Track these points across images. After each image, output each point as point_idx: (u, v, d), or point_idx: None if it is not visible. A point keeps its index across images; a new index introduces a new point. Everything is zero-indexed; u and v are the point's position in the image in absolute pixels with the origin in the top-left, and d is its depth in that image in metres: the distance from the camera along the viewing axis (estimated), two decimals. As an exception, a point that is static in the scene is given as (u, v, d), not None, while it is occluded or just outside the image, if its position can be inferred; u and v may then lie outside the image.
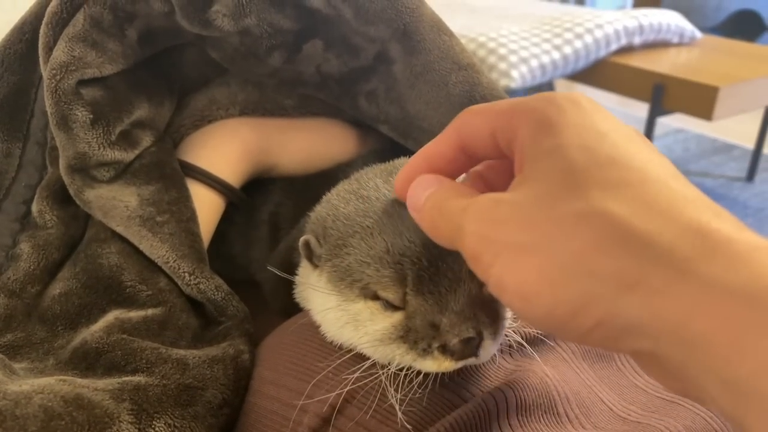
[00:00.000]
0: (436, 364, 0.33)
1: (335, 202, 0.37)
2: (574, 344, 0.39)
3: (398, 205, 0.34)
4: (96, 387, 0.36)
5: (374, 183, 0.37)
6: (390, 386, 0.34)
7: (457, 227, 0.26)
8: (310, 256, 0.38)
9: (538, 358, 0.37)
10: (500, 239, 0.24)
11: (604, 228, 0.22)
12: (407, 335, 0.33)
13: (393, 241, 0.33)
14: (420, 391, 0.34)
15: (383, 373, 0.34)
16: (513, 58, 1.71)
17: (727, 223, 0.22)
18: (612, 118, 0.27)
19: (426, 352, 0.32)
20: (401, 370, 0.34)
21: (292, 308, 0.44)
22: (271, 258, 0.53)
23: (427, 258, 0.32)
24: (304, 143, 0.54)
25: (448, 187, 0.28)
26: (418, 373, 0.34)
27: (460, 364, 0.33)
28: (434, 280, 0.32)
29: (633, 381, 0.39)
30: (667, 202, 0.22)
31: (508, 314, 0.35)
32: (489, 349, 0.33)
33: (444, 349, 0.32)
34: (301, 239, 0.38)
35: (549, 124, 0.26)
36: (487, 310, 0.33)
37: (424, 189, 0.29)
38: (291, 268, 0.46)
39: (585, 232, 0.22)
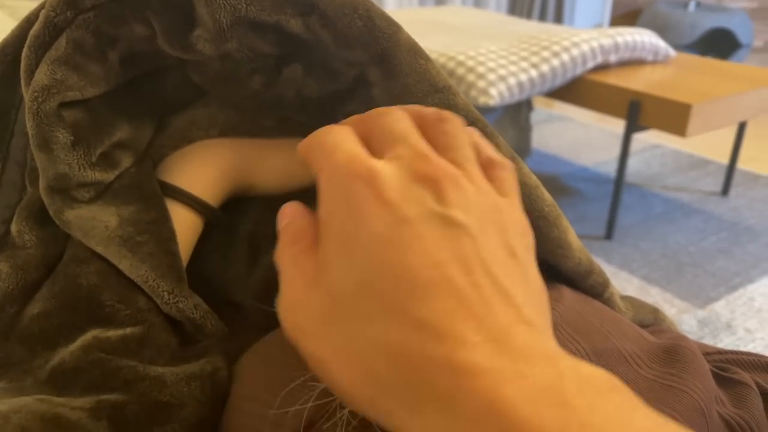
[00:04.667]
0: None
1: None
2: None
3: None
4: (74, 406, 0.36)
5: None
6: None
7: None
8: None
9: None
10: (303, 349, 0.27)
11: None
12: None
13: None
14: None
15: None
16: (491, 76, 1.74)
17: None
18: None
19: None
20: None
21: (272, 325, 0.45)
22: (252, 275, 0.53)
23: None
24: (282, 163, 0.55)
25: (292, 228, 0.30)
26: None
27: None
28: None
29: None
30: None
31: None
32: None
33: None
34: None
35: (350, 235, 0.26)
36: None
37: (283, 218, 0.31)
38: (272, 285, 0.47)
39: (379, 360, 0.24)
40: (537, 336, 0.25)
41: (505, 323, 0.24)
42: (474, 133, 0.32)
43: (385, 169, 0.26)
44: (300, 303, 0.27)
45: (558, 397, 0.21)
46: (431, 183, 0.26)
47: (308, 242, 0.28)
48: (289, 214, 0.30)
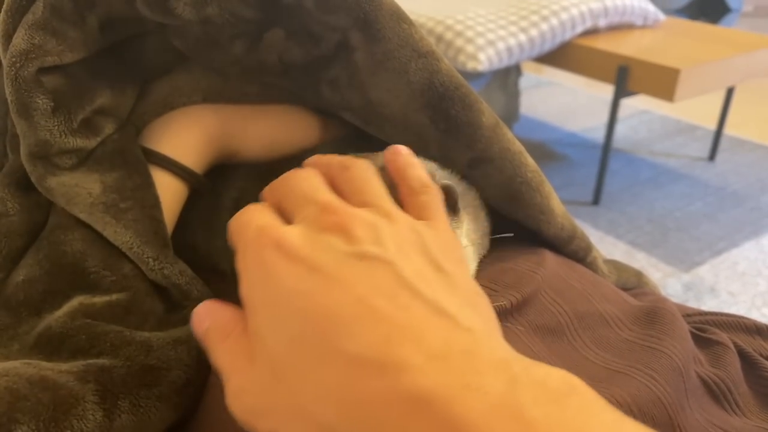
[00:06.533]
0: None
1: None
2: (525, 320, 0.41)
3: None
4: (61, 369, 0.37)
5: None
6: None
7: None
8: None
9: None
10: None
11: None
12: None
13: None
14: None
15: None
16: (480, 41, 1.73)
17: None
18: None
19: None
20: None
21: None
22: None
23: None
24: (267, 129, 0.54)
25: (218, 327, 0.30)
26: None
27: None
28: None
29: (584, 354, 0.41)
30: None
31: None
32: None
33: None
34: None
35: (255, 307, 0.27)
36: None
37: (201, 322, 0.30)
38: None
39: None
40: (481, 341, 0.24)
41: (443, 336, 0.24)
42: (399, 159, 0.34)
43: (292, 231, 0.27)
44: (245, 385, 0.27)
45: (513, 409, 0.21)
46: (338, 230, 0.27)
47: (238, 331, 0.28)
48: (209, 315, 0.30)
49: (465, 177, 0.48)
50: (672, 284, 1.70)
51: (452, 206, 0.41)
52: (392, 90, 0.47)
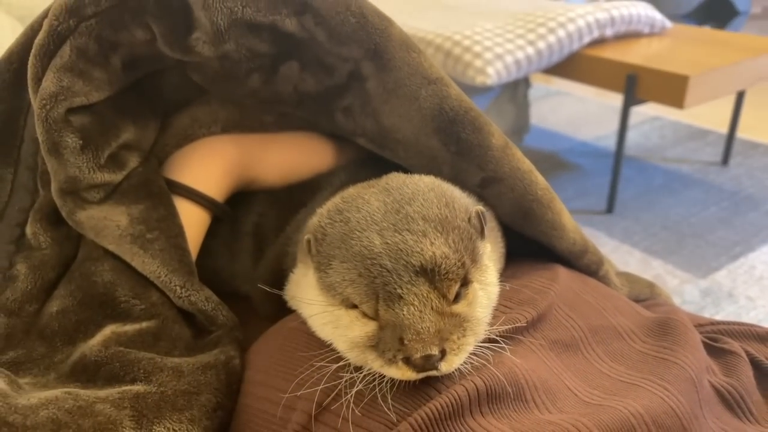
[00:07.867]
0: (399, 373, 0.36)
1: (325, 221, 0.41)
2: (540, 335, 0.42)
3: (373, 230, 0.38)
4: (98, 397, 0.39)
5: (355, 204, 0.41)
6: (353, 386, 0.37)
7: None
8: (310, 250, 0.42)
9: (507, 351, 0.39)
10: None
11: None
12: (378, 344, 0.36)
13: (366, 265, 0.37)
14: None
15: (356, 375, 0.38)
16: (488, 55, 1.74)
17: None
18: None
19: (392, 361, 0.36)
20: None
21: (280, 313, 0.47)
22: (260, 266, 0.55)
23: (396, 280, 0.37)
24: (284, 157, 0.56)
25: None
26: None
27: (422, 375, 0.36)
28: (404, 298, 0.36)
29: (598, 368, 0.42)
30: None
31: (480, 330, 0.39)
32: (452, 362, 0.37)
33: (407, 361, 0.35)
34: (305, 238, 0.42)
35: None
36: (454, 326, 0.37)
37: None
38: (279, 274, 0.49)
39: None
40: None
41: None
42: None
43: None
44: None
45: None
46: None
47: None
48: None
49: (477, 196, 0.49)
50: (689, 291, 1.70)
51: (481, 231, 0.43)
52: (404, 116, 0.49)
